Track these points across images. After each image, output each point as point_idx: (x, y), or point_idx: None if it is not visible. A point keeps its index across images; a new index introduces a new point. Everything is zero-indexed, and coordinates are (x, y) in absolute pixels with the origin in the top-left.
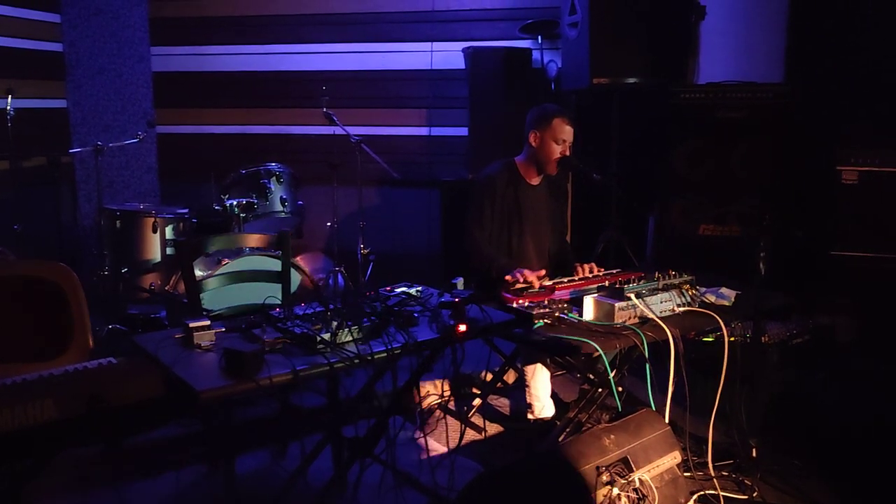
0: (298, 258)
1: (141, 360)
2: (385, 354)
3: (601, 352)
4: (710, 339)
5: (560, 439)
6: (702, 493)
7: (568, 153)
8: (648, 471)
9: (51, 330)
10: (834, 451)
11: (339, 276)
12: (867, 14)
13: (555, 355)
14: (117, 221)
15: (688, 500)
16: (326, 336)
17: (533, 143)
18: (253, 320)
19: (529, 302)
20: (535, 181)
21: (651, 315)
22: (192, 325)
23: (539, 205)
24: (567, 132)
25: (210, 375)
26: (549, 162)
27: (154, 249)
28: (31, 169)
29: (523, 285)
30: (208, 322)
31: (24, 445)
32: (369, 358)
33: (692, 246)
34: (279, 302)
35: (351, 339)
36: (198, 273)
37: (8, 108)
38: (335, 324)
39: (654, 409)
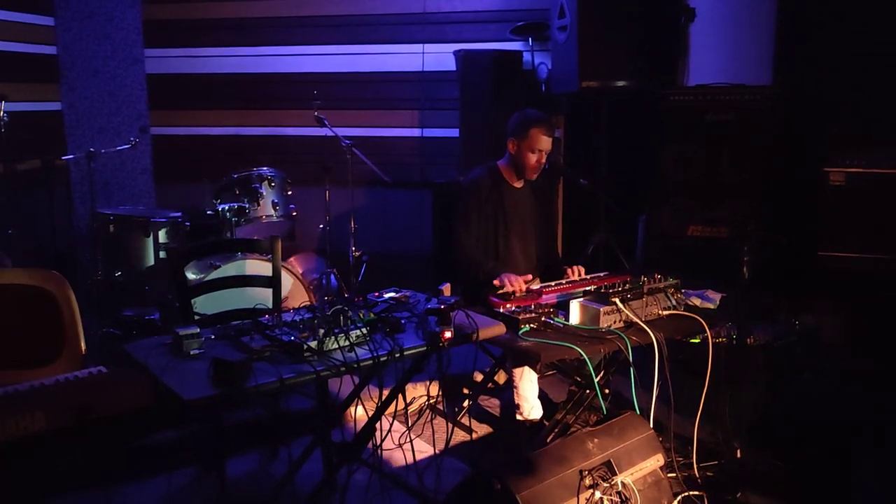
0: (292, 259)
1: (130, 368)
2: (371, 362)
3: (585, 357)
4: (697, 340)
5: (548, 440)
6: (686, 494)
7: (543, 161)
8: (632, 474)
9: (43, 337)
10: (819, 452)
11: (332, 278)
12: (855, 18)
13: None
14: (111, 226)
15: (671, 502)
16: (313, 344)
17: (511, 150)
18: (242, 327)
19: (516, 307)
20: (518, 184)
21: (635, 319)
22: (181, 332)
23: (523, 207)
24: (544, 142)
25: (198, 384)
26: (526, 169)
27: (147, 253)
28: (25, 172)
29: (510, 290)
30: (197, 330)
31: (13, 457)
32: (355, 366)
33: (681, 247)
34: (269, 308)
35: (338, 346)
36: (190, 276)
37: (1, 112)
38: (322, 331)
39: (638, 412)
